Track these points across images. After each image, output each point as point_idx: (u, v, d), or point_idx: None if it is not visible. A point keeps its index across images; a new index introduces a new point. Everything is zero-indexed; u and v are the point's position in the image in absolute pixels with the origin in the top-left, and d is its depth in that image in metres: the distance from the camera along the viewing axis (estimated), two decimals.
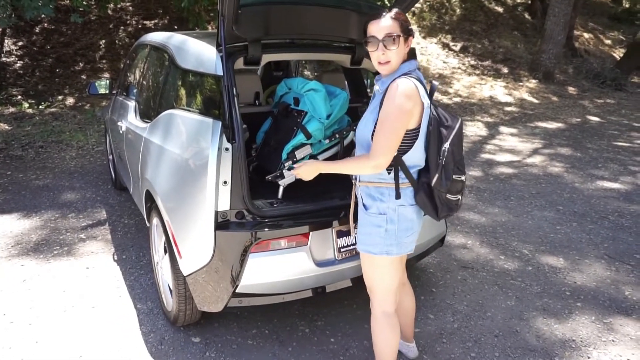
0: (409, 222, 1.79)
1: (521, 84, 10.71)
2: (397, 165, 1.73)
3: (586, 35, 14.83)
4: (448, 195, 1.74)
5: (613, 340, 2.48)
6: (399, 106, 1.63)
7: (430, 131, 1.70)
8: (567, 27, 11.24)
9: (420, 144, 1.72)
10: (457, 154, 1.71)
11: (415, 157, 1.74)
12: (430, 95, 1.76)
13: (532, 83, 10.81)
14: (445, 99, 9.15)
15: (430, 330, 2.53)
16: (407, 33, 1.70)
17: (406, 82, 1.65)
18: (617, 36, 15.77)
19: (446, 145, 1.68)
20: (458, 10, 12.78)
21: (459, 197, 1.79)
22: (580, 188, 4.90)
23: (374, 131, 1.72)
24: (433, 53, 11.03)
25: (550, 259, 3.36)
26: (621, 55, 13.74)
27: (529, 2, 14.57)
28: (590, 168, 5.64)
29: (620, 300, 2.85)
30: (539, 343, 2.45)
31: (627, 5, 17.98)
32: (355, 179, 1.89)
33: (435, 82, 1.88)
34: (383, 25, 1.67)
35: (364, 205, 1.84)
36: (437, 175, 1.69)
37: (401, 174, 1.74)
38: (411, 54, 1.76)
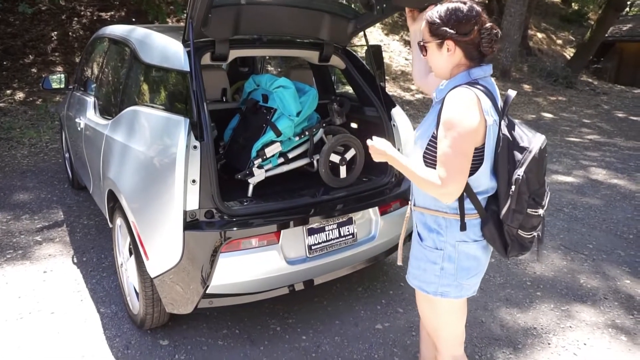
0: (471, 260, 1.50)
1: None
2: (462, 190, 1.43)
3: (539, 35, 15.49)
4: (520, 232, 1.43)
5: (570, 327, 2.62)
6: (461, 121, 1.35)
7: (498, 153, 1.40)
8: (522, 27, 11.70)
9: (486, 166, 1.42)
10: (533, 182, 1.38)
11: (482, 183, 1.44)
12: (506, 108, 1.45)
13: None
14: (407, 96, 9.31)
15: (400, 324, 2.58)
16: (437, 37, 1.44)
17: (464, 92, 1.37)
18: (567, 36, 16.57)
19: (519, 172, 1.36)
20: None
21: (534, 234, 1.46)
22: None
23: (428, 151, 1.47)
24: (395, 50, 11.19)
25: None
26: (571, 54, 14.44)
27: (486, 1, 15.04)
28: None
29: (576, 288, 3.01)
30: (503, 332, 2.55)
31: (575, 7, 18.90)
32: (411, 201, 1.65)
33: (512, 92, 1.51)
34: (422, 28, 1.49)
35: (419, 235, 1.58)
36: (506, 207, 1.41)
37: (466, 203, 1.45)
38: (478, 57, 1.45)
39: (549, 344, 2.47)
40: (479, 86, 1.41)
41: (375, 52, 2.79)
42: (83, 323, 2.49)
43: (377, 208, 2.47)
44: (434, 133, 1.45)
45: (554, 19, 17.52)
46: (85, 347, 2.31)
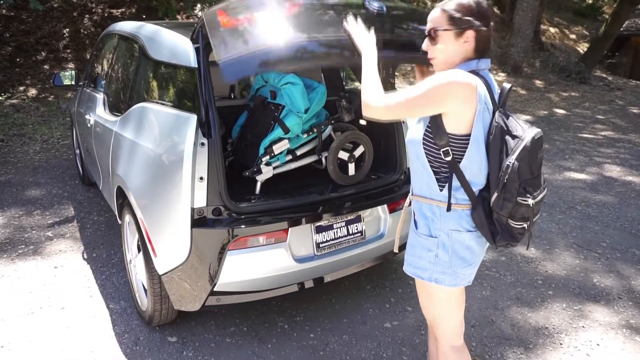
0: (465, 250, 1.52)
1: None
2: (451, 173, 1.47)
3: (552, 29, 15.25)
4: (510, 221, 1.45)
5: (583, 327, 2.57)
6: (438, 82, 1.37)
7: (490, 141, 1.43)
8: (534, 21, 11.52)
9: (476, 155, 1.44)
10: (525, 171, 1.39)
11: (473, 171, 1.46)
12: (501, 100, 1.48)
13: (501, 76, 11.04)
14: None
15: (409, 323, 2.56)
16: (459, 26, 1.42)
17: (458, 71, 1.41)
18: (581, 31, 16.28)
19: (511, 159, 1.38)
20: (429, 3, 12.89)
21: (525, 225, 1.46)
22: (549, 179, 5.04)
23: (425, 139, 1.48)
24: None
25: (522, 248, 3.44)
26: (585, 49, 14.20)
27: None
28: (558, 159, 5.81)
29: (589, 288, 2.96)
30: (514, 332, 2.51)
31: (590, 1, 18.56)
32: (410, 190, 1.68)
33: (507, 85, 1.52)
34: (431, 17, 1.48)
35: (415, 223, 1.61)
36: (496, 194, 1.43)
37: (459, 194, 1.48)
38: (482, 51, 1.48)
39: (561, 344, 2.43)
40: (477, 76, 1.45)
41: None
42: (93, 319, 2.51)
43: (386, 206, 2.45)
44: (428, 123, 1.47)
45: (567, 13, 17.23)
46: (94, 343, 2.33)
